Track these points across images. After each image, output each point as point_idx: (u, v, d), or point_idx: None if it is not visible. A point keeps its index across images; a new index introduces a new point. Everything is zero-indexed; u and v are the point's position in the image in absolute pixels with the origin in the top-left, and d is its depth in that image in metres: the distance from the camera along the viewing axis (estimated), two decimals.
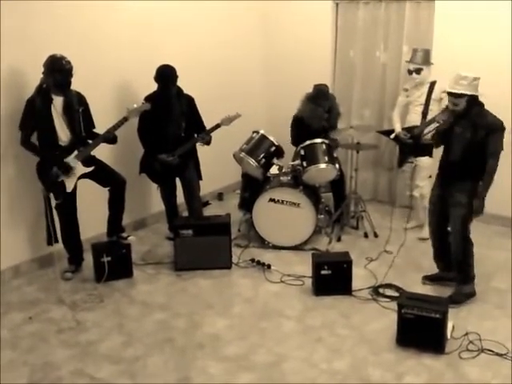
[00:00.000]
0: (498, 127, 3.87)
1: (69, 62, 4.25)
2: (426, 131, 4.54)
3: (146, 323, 3.97)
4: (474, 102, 3.87)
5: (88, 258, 4.67)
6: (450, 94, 3.90)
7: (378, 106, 6.21)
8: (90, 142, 4.45)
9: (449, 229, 4.19)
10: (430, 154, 5.00)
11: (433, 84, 4.95)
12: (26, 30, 4.40)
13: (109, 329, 3.90)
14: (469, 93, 3.83)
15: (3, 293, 4.38)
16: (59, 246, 4.60)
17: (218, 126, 5.02)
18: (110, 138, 4.47)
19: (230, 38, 6.31)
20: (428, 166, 5.10)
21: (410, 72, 5.14)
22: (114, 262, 4.52)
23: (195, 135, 5.03)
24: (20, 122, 4.29)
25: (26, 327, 3.91)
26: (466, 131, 3.90)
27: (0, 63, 4.28)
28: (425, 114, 4.91)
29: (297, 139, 5.50)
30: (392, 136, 5.03)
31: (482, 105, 3.92)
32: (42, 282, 4.56)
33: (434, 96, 4.94)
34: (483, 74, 4.82)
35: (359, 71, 6.26)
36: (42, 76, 4.25)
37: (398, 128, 5.16)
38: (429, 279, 4.41)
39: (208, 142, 5.07)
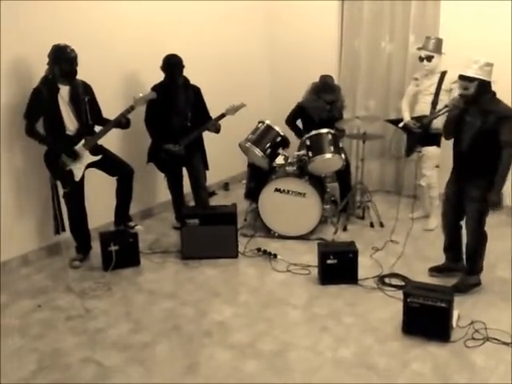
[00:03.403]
0: (510, 115, 3.73)
1: (73, 51, 4.26)
2: (436, 115, 4.50)
3: (153, 311, 4.01)
4: (484, 88, 3.77)
5: (95, 247, 4.71)
6: (460, 77, 3.80)
7: (383, 97, 6.20)
8: (97, 131, 4.48)
9: (461, 222, 4.18)
10: (438, 144, 5.00)
11: (443, 74, 4.95)
12: (31, 20, 4.40)
13: (116, 316, 3.94)
14: (479, 77, 3.73)
15: (12, 281, 4.43)
16: (67, 235, 4.64)
17: (223, 116, 5.03)
18: (122, 122, 4.50)
19: (237, 28, 6.30)
20: (436, 156, 5.10)
21: (421, 59, 5.10)
22: (122, 250, 4.55)
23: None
24: (25, 110, 4.30)
25: (34, 315, 3.96)
26: (475, 119, 3.80)
27: (5, 54, 4.29)
28: (434, 103, 4.91)
29: (290, 120, 5.62)
30: (401, 125, 5.02)
31: (494, 93, 3.82)
32: (50, 271, 4.60)
33: (444, 86, 4.93)
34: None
35: (364, 62, 6.23)
36: (47, 67, 4.26)
37: (406, 117, 5.15)
38: (435, 270, 4.39)
39: (218, 130, 5.09)
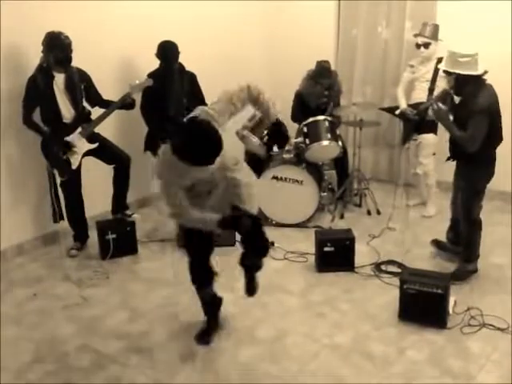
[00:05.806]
0: (478, 109, 3.61)
1: (67, 37, 4.23)
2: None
3: (150, 299, 4.01)
4: (464, 80, 3.68)
5: (93, 236, 4.71)
6: (443, 71, 3.85)
7: (379, 84, 6.17)
8: (93, 118, 4.47)
9: None
10: (435, 132, 4.99)
11: (440, 60, 4.87)
12: (26, 8, 4.35)
13: (114, 305, 3.94)
14: (451, 70, 3.68)
15: (8, 270, 4.43)
16: (64, 224, 4.63)
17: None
18: (127, 102, 4.51)
19: (233, 14, 6.24)
20: (432, 144, 5.09)
21: (418, 46, 5.08)
22: (119, 239, 4.55)
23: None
24: (23, 100, 4.29)
25: (31, 304, 3.97)
26: (453, 112, 3.84)
27: (1, 43, 4.27)
28: (431, 90, 4.87)
29: (295, 115, 5.52)
30: (397, 112, 5.00)
31: (482, 85, 3.71)
32: (46, 260, 4.60)
33: (441, 72, 4.90)
34: (487, 49, 4.73)
35: (361, 48, 6.20)
36: (41, 55, 4.23)
37: (403, 104, 5.11)
38: (436, 244, 4.44)
39: None
